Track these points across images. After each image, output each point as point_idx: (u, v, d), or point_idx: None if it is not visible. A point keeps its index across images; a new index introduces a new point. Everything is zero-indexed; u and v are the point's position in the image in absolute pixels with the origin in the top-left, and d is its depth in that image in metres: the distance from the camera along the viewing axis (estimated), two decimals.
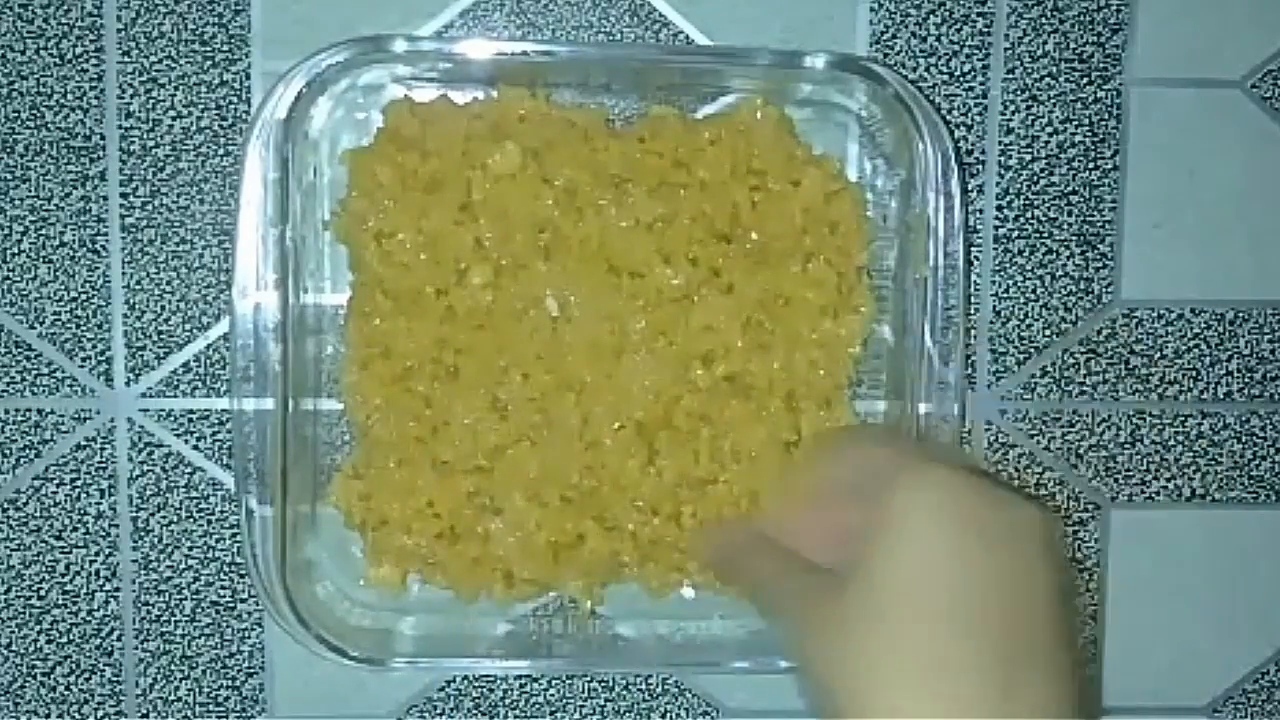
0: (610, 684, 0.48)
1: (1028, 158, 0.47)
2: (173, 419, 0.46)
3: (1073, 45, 0.47)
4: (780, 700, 0.48)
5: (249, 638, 0.47)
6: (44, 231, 0.45)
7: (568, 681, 0.48)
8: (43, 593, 0.46)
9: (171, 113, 0.45)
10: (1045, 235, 0.48)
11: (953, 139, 0.42)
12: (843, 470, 0.38)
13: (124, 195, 0.45)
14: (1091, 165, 0.47)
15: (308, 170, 0.43)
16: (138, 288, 0.45)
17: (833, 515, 0.37)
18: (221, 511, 0.46)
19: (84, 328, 0.45)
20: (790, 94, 0.45)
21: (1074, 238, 0.48)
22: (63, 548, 0.46)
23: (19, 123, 0.45)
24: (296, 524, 0.43)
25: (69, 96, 0.45)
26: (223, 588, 0.47)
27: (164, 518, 0.46)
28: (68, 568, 0.46)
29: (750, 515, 0.43)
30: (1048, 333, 0.48)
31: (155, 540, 0.46)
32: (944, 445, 0.43)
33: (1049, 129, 0.47)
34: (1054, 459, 0.48)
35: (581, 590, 0.45)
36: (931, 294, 0.42)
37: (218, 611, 0.47)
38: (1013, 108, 0.47)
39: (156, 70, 0.45)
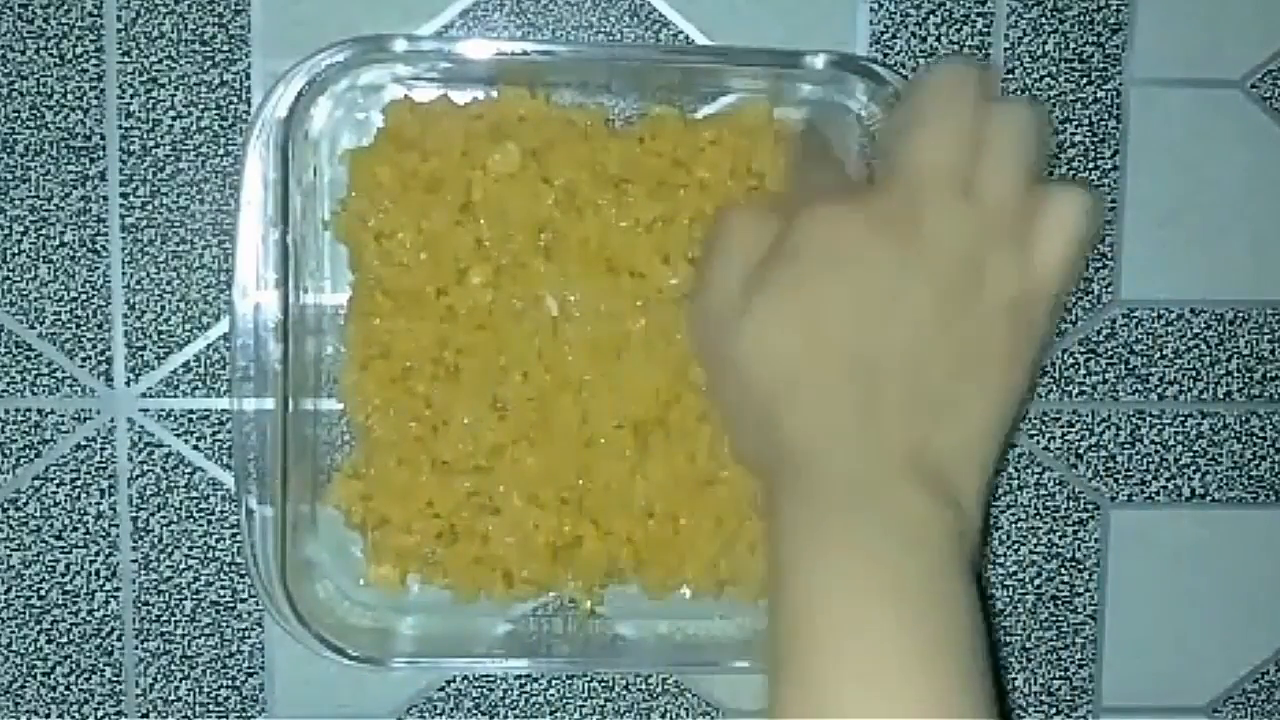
0: (610, 684, 0.48)
1: None
2: (173, 419, 0.46)
3: (1073, 45, 0.47)
4: None
5: (249, 638, 0.47)
6: (44, 231, 0.45)
7: (568, 681, 0.48)
8: (43, 593, 0.46)
9: (171, 113, 0.45)
10: None
11: None
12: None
13: (124, 195, 0.45)
14: (1091, 165, 0.47)
15: (308, 170, 0.43)
16: (138, 288, 0.45)
17: None
18: (221, 511, 0.46)
19: (84, 328, 0.45)
20: (790, 94, 0.45)
21: None
22: (63, 548, 0.46)
23: (19, 123, 0.45)
24: (296, 524, 0.43)
25: (69, 96, 0.45)
26: (223, 588, 0.47)
27: (164, 518, 0.46)
28: (68, 568, 0.46)
29: None
30: None
31: (155, 540, 0.46)
32: None
33: (1049, 129, 0.47)
34: (1053, 459, 0.48)
35: (581, 590, 0.45)
36: None
37: (218, 611, 0.47)
38: None
39: (156, 70, 0.45)
